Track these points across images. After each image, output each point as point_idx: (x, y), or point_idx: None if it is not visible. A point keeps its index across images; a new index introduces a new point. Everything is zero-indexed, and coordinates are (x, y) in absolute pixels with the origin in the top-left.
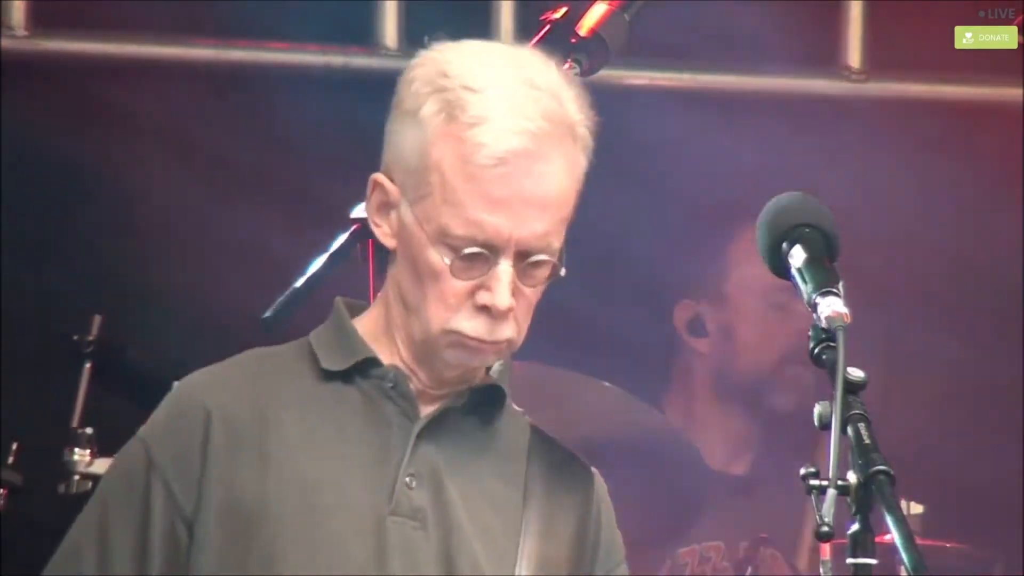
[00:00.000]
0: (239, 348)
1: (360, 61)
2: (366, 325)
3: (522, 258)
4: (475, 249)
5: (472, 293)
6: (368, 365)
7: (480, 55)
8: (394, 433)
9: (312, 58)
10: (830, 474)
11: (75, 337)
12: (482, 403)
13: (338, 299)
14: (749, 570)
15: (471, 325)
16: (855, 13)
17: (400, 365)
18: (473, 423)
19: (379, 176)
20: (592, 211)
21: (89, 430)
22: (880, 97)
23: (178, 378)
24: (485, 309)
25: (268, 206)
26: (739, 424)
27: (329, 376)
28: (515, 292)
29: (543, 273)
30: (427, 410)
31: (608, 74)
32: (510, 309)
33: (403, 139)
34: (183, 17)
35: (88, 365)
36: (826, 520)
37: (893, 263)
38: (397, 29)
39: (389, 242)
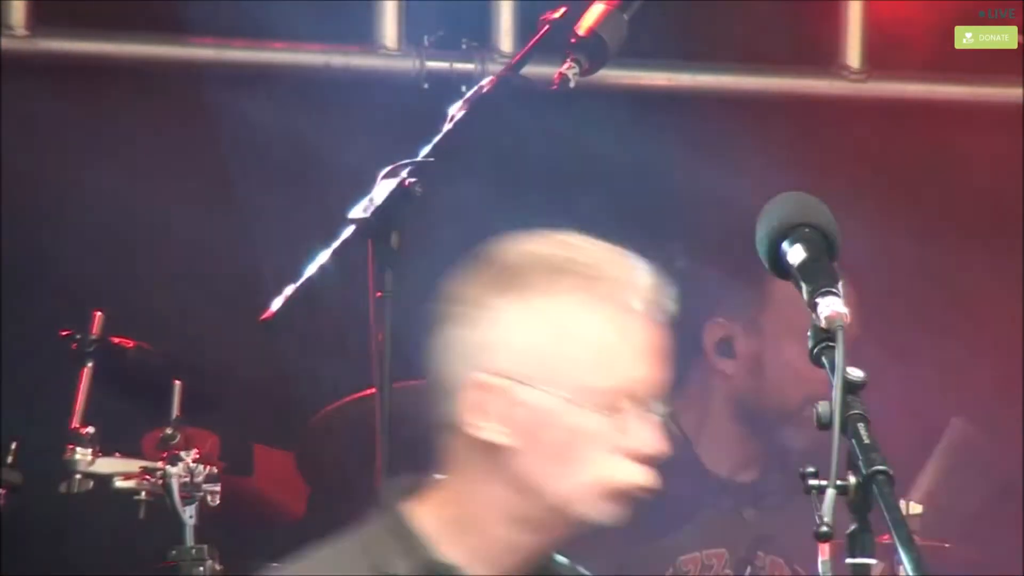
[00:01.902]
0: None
1: (360, 61)
2: None
3: None
4: None
5: None
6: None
7: None
8: None
9: (312, 58)
10: (830, 474)
11: (76, 336)
12: None
13: None
14: (748, 570)
15: None
16: (855, 13)
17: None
18: None
19: None
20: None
21: (91, 429)
22: (880, 97)
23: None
24: None
25: (268, 206)
26: (750, 444)
27: None
28: None
29: None
30: None
31: (605, 74)
32: None
33: None
34: (183, 17)
35: (88, 365)
36: (826, 520)
37: (893, 262)
38: (397, 29)
39: None
